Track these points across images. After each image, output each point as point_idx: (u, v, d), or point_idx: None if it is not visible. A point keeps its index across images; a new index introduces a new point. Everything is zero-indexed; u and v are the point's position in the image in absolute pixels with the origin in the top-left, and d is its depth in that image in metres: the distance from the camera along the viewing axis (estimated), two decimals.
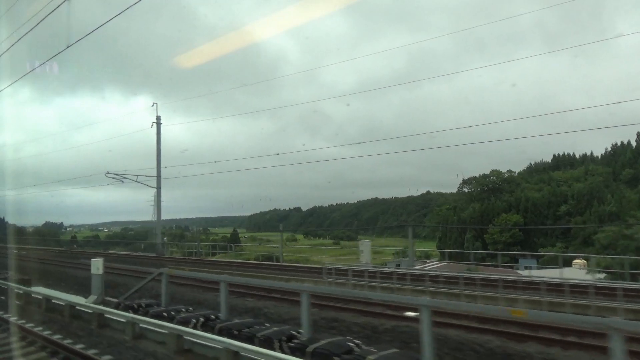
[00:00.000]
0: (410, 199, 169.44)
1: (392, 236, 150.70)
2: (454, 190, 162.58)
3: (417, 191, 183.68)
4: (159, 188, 35.25)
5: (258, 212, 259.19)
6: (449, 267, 32.34)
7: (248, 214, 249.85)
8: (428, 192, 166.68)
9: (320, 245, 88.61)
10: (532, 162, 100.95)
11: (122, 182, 34.70)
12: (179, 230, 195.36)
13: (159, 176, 34.95)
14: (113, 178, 34.33)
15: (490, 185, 76.44)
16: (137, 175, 34.40)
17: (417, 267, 24.36)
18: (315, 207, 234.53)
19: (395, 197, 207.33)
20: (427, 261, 36.30)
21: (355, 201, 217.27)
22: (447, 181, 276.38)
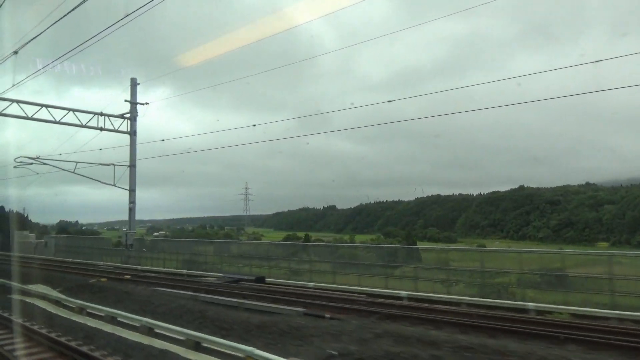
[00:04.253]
0: (497, 195, 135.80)
1: (484, 237, 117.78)
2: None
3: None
4: None
5: (285, 210, 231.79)
6: None
7: (266, 212, 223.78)
8: (521, 186, 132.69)
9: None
10: None
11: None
12: (206, 230, 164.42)
13: None
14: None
15: None
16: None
17: None
18: (361, 204, 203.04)
19: (460, 194, 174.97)
20: None
21: (413, 198, 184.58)
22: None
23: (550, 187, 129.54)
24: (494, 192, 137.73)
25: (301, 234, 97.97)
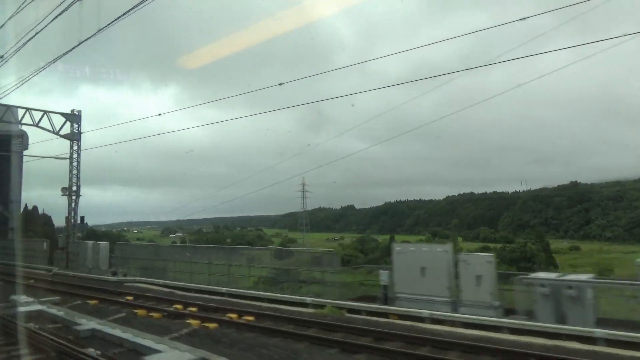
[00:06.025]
0: (546, 192, 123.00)
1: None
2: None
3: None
4: None
5: (299, 210, 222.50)
6: None
7: (276, 213, 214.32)
8: (574, 182, 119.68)
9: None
10: None
11: None
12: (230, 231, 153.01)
13: None
14: None
15: None
16: None
17: None
18: (387, 203, 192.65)
19: (494, 192, 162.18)
20: None
21: (444, 197, 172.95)
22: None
23: (605, 182, 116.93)
24: (541, 189, 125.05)
25: (376, 236, 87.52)
